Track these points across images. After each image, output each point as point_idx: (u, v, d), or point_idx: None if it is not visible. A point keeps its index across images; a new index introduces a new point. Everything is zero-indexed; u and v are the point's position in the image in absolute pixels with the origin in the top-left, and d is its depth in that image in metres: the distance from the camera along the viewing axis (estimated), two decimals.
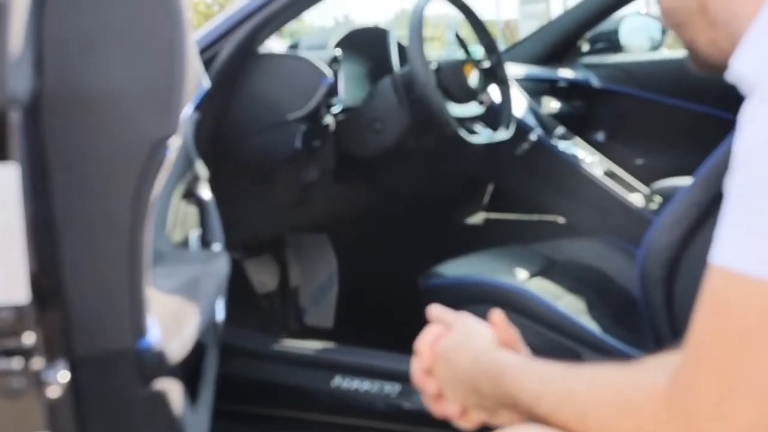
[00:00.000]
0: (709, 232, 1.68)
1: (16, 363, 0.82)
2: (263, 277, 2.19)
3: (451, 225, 2.49)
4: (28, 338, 0.83)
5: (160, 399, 0.95)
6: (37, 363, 0.84)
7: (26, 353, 0.83)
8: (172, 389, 0.98)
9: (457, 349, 0.98)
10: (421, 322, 1.91)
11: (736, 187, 0.69)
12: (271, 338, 1.93)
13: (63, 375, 0.86)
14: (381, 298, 2.26)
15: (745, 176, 0.67)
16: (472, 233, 2.51)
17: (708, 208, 1.56)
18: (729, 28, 0.80)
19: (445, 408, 1.00)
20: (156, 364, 0.94)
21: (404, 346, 1.83)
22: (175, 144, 0.90)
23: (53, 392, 0.84)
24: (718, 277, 0.70)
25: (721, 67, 0.84)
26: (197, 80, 0.97)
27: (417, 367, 1.03)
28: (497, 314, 1.03)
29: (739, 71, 0.77)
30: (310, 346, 1.87)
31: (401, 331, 2.07)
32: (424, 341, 1.03)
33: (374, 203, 2.23)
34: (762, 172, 0.66)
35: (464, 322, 1.02)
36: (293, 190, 1.88)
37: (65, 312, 0.88)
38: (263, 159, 1.80)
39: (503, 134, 2.03)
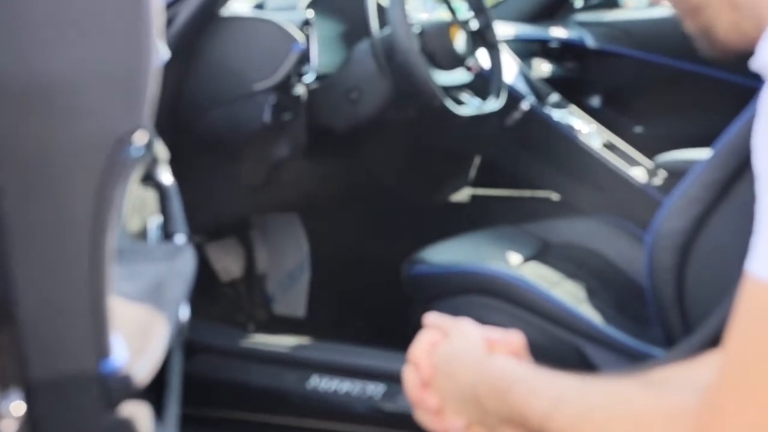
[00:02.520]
0: (726, 216, 1.68)
1: None
2: (227, 263, 2.16)
3: (434, 204, 2.47)
4: None
5: (127, 426, 0.92)
6: None
7: None
8: (140, 413, 0.94)
9: (458, 358, 0.97)
10: (404, 312, 1.89)
11: None
12: (239, 333, 1.90)
13: (18, 406, 0.82)
14: (358, 285, 2.24)
15: None
16: (457, 212, 2.49)
17: (725, 189, 1.55)
18: (754, 11, 0.82)
19: (446, 424, 0.99)
20: (122, 387, 0.90)
21: (385, 340, 1.84)
22: (141, 140, 0.86)
23: (7, 427, 0.80)
24: (759, 291, 0.69)
25: (740, 51, 0.86)
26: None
27: (413, 378, 1.01)
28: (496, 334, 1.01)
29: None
30: (283, 342, 1.84)
31: (381, 322, 2.06)
32: (419, 349, 1.02)
33: (350, 181, 2.20)
34: None
35: (463, 328, 1.01)
36: (261, 168, 1.84)
37: (17, 332, 0.84)
38: (227, 134, 1.76)
39: (493, 104, 2.01)
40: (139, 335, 0.97)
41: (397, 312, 1.93)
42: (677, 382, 0.84)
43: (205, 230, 1.96)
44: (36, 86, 0.80)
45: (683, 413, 0.76)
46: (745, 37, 0.84)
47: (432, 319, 1.04)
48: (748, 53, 0.85)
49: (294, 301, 2.26)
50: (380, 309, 2.15)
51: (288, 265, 2.27)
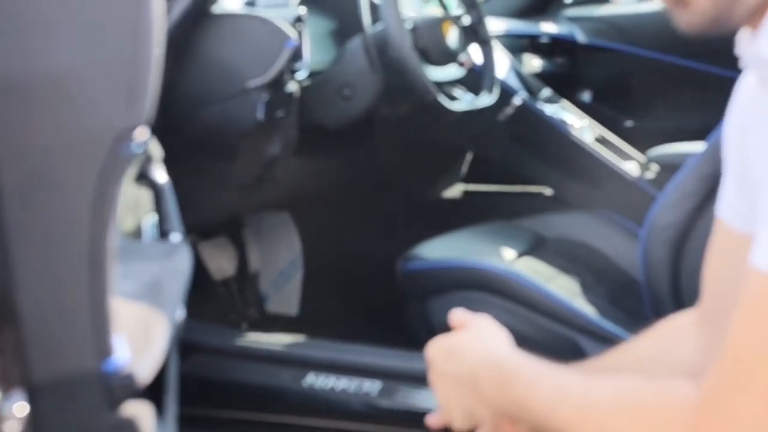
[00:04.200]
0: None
1: None
2: (220, 262, 2.15)
3: (427, 200, 2.47)
4: None
5: (130, 425, 0.91)
6: None
7: None
8: (142, 412, 0.94)
9: (466, 344, 0.98)
10: (398, 308, 1.88)
11: None
12: (234, 332, 1.90)
13: (21, 407, 0.82)
14: (351, 283, 2.24)
15: None
16: (450, 208, 2.50)
17: (715, 183, 1.55)
18: None
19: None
20: (124, 386, 0.90)
21: (380, 337, 1.84)
22: (142, 136, 0.85)
23: (11, 428, 0.79)
24: (761, 283, 0.70)
25: (720, 27, 0.81)
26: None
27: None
28: None
29: (763, 54, 0.76)
30: (279, 340, 1.83)
31: (376, 319, 2.06)
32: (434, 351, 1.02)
33: (342, 178, 2.20)
34: None
35: (481, 322, 1.01)
36: (254, 166, 1.84)
37: (20, 333, 0.83)
38: (220, 132, 1.75)
39: (486, 99, 2.01)
40: (139, 334, 0.97)
41: (392, 309, 1.93)
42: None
43: (198, 229, 1.95)
44: (38, 82, 0.80)
45: (685, 405, 0.76)
46: (720, 19, 0.80)
47: (457, 317, 1.03)
48: (726, 34, 0.83)
49: (287, 300, 2.25)
50: (374, 306, 2.15)
51: (281, 263, 2.27)
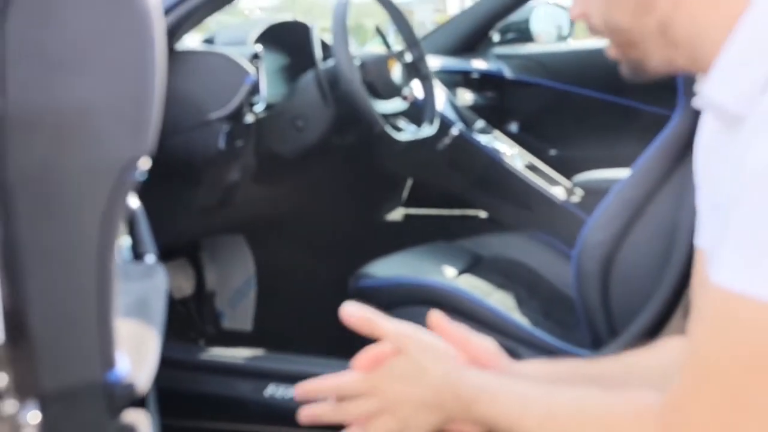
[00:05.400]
0: (643, 228, 1.76)
1: None
2: (179, 282, 2.16)
3: (371, 222, 2.51)
4: (1, 380, 0.79)
5: (130, 431, 0.93)
6: (11, 406, 0.80)
7: None
8: (140, 419, 0.96)
9: (422, 367, 0.95)
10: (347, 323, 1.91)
11: (743, 210, 0.70)
12: (199, 347, 1.91)
13: (34, 415, 0.83)
14: (302, 300, 2.27)
15: (755, 202, 0.69)
16: (392, 230, 2.54)
17: (642, 205, 1.64)
18: (691, 49, 0.82)
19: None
20: (126, 395, 0.92)
21: (331, 350, 1.86)
22: (144, 165, 0.88)
23: None
24: (725, 299, 0.70)
25: (660, 76, 0.86)
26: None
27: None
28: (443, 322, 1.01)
29: (713, 98, 0.80)
30: (241, 354, 1.85)
31: (324, 334, 2.09)
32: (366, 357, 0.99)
33: (293, 202, 2.23)
34: None
35: (423, 339, 0.97)
36: (216, 191, 1.87)
37: (31, 346, 0.85)
38: (185, 160, 1.77)
39: (427, 130, 2.07)
40: (135, 348, 0.98)
41: (340, 323, 1.96)
42: (640, 387, 0.83)
43: (160, 250, 1.96)
44: (51, 115, 0.82)
45: (648, 413, 0.76)
46: (676, 70, 0.86)
47: (389, 328, 0.98)
48: (661, 80, 0.88)
49: (242, 316, 2.27)
50: (323, 321, 2.17)
51: (235, 282, 2.29)
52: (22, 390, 0.81)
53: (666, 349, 0.99)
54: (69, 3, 0.82)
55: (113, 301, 0.89)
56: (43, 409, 0.84)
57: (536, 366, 1.02)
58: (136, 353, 0.98)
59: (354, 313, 1.00)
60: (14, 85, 0.81)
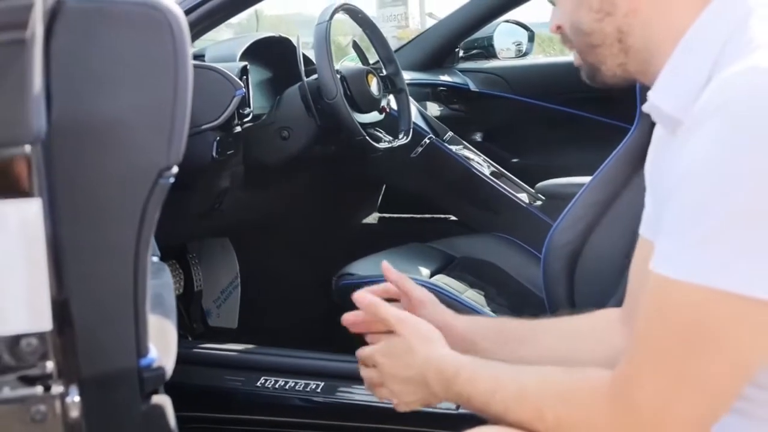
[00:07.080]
0: (605, 229, 1.84)
1: (39, 389, 0.85)
2: None
3: (349, 225, 2.58)
4: (50, 364, 0.85)
5: (158, 412, 0.99)
6: (58, 388, 0.86)
7: (47, 379, 0.85)
8: (166, 402, 1.02)
9: (409, 349, 1.04)
10: (326, 320, 1.98)
11: (675, 203, 0.79)
12: (196, 342, 1.96)
13: (76, 398, 0.89)
14: (284, 298, 2.33)
15: (685, 197, 0.78)
16: (368, 233, 2.60)
17: (604, 208, 1.73)
18: (642, 58, 0.92)
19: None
20: (156, 379, 0.98)
21: (310, 345, 1.92)
22: (175, 171, 0.94)
23: (73, 415, 0.87)
24: (661, 284, 0.79)
25: (616, 84, 0.96)
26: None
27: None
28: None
29: (657, 105, 0.90)
30: (235, 348, 1.91)
31: (304, 329, 2.15)
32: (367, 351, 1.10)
33: (277, 207, 2.29)
34: (701, 194, 0.76)
35: (410, 322, 1.07)
36: (208, 197, 1.92)
37: (74, 335, 0.91)
38: (180, 167, 1.81)
39: (403, 140, 2.13)
40: (160, 337, 1.04)
41: (318, 319, 2.02)
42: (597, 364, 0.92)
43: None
44: (93, 126, 0.88)
45: (602, 386, 0.85)
46: (626, 78, 0.95)
47: (389, 312, 1.08)
48: (619, 89, 0.98)
49: (228, 315, 2.32)
50: (304, 318, 2.24)
51: (221, 283, 2.34)
52: (66, 375, 0.87)
53: (598, 316, 1.14)
54: (110, 23, 0.89)
55: (146, 294, 0.95)
56: (83, 393, 0.90)
57: (475, 321, 1.20)
58: (162, 342, 1.04)
59: (363, 298, 1.11)
60: (59, 98, 0.87)
